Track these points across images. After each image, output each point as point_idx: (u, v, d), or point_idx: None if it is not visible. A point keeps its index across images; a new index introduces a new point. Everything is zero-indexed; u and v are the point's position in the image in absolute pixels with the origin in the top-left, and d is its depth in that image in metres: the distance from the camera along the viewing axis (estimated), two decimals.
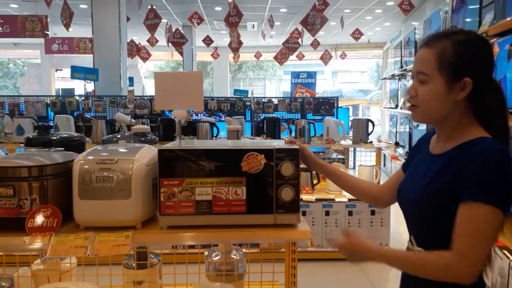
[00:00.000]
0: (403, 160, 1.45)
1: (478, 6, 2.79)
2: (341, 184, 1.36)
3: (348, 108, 6.10)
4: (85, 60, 13.05)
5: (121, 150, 1.25)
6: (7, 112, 4.89)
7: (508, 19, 2.18)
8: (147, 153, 1.23)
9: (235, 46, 7.36)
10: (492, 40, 2.52)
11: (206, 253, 1.61)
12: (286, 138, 1.32)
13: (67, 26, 6.20)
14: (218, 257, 1.58)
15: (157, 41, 8.17)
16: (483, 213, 0.93)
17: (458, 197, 0.97)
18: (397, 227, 3.97)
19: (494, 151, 0.96)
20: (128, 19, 6.80)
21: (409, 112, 1.12)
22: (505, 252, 1.88)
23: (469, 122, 1.05)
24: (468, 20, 3.04)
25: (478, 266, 0.95)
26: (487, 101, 1.04)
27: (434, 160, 1.09)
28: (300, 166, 1.19)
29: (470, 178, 0.95)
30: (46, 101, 4.97)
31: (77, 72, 4.62)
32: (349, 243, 1.10)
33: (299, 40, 7.12)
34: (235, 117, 4.40)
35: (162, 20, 6.64)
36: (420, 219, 1.08)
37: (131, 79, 7.88)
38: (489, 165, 0.94)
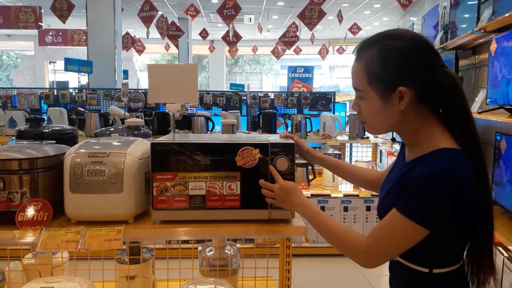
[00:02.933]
0: None
1: (476, 1, 2.78)
2: (341, 174, 1.36)
3: (345, 104, 6.09)
4: (79, 52, 12.92)
5: (114, 143, 1.23)
6: None
7: (507, 15, 2.16)
8: (140, 147, 1.21)
9: (231, 40, 7.32)
10: (490, 36, 2.51)
11: (199, 248, 1.60)
12: (282, 133, 1.31)
13: (63, 18, 6.12)
14: (212, 252, 1.57)
15: (149, 32, 8.08)
16: (404, 225, 0.92)
17: (394, 201, 0.96)
18: None
19: (439, 172, 0.89)
20: (121, 9, 6.72)
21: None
22: (499, 248, 1.89)
23: (430, 128, 0.97)
24: (466, 15, 3.02)
25: (376, 261, 0.98)
26: (442, 101, 0.97)
27: (402, 167, 1.05)
28: (296, 161, 1.17)
29: (407, 193, 0.93)
30: (39, 94, 4.91)
31: (71, 64, 4.56)
32: (289, 187, 1.11)
33: (297, 33, 7.08)
34: (230, 111, 4.37)
35: (158, 12, 6.58)
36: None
37: (125, 72, 7.82)
38: (428, 188, 0.89)
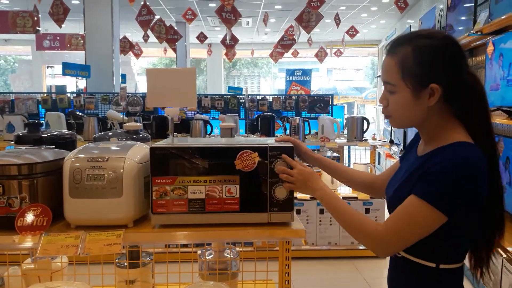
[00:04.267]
0: (398, 158, 1.45)
1: (473, 4, 2.80)
2: (337, 177, 1.37)
3: (343, 106, 6.10)
4: (77, 56, 12.92)
5: (113, 148, 1.23)
6: None
7: (503, 17, 2.18)
8: (139, 151, 1.21)
9: (229, 43, 7.33)
10: (487, 39, 2.53)
11: (199, 252, 1.60)
12: (278, 137, 1.31)
13: (60, 22, 6.12)
14: (212, 256, 1.56)
15: (148, 37, 8.10)
16: (423, 210, 0.94)
17: (412, 189, 0.98)
18: None
19: (460, 161, 0.93)
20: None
21: (386, 119, 1.11)
22: (498, 249, 1.89)
23: (449, 125, 1.02)
24: (463, 18, 3.04)
25: (393, 248, 1.01)
26: (465, 101, 1.01)
27: (415, 161, 1.08)
28: None
29: (426, 178, 0.95)
30: (37, 98, 4.91)
31: (69, 68, 4.56)
32: (308, 171, 1.13)
33: (295, 37, 7.09)
34: (229, 114, 4.37)
35: (155, 16, 6.59)
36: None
37: (123, 76, 7.82)
38: (448, 174, 0.92)
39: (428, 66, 0.98)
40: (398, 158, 1.35)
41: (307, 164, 1.30)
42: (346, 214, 1.06)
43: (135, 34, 10.98)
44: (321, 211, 3.53)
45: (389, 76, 1.02)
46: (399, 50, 1.01)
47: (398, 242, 0.99)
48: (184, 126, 4.21)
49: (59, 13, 6.11)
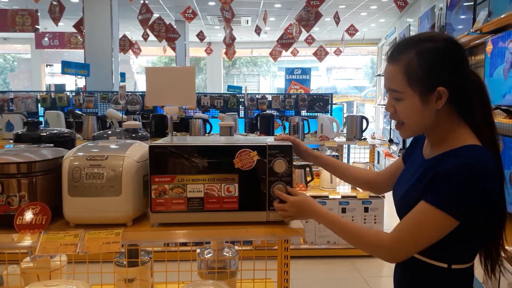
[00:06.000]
0: (397, 157, 1.45)
1: (472, 3, 2.80)
2: (338, 174, 1.37)
3: (343, 105, 6.10)
4: (76, 55, 12.91)
5: (112, 146, 1.23)
6: None
7: (502, 16, 2.18)
8: (138, 150, 1.22)
9: (229, 42, 7.32)
10: (486, 37, 2.53)
11: (198, 250, 1.60)
12: (277, 135, 1.31)
13: (56, 20, 6.11)
14: (210, 254, 1.57)
15: (148, 35, 8.08)
16: (434, 215, 0.94)
17: (423, 195, 0.97)
18: (390, 224, 3.99)
19: (471, 165, 0.93)
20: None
21: (397, 128, 1.09)
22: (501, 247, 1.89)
23: (456, 127, 1.03)
24: (462, 17, 3.04)
25: (404, 255, 1.00)
26: (470, 101, 1.02)
27: (422, 164, 1.08)
28: (294, 163, 1.18)
29: (437, 185, 0.95)
30: (36, 97, 4.90)
31: (68, 67, 4.55)
32: (299, 201, 1.13)
33: (296, 35, 7.08)
34: (228, 113, 4.37)
35: (154, 15, 6.58)
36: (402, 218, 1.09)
37: (122, 75, 7.81)
38: (459, 179, 0.92)
39: (433, 70, 0.98)
40: (397, 157, 1.35)
41: (307, 162, 1.30)
42: (347, 231, 1.06)
43: (134, 32, 10.97)
44: None
45: (395, 83, 1.01)
46: (402, 56, 1.00)
47: (408, 248, 0.98)
48: (183, 125, 4.21)
49: (56, 12, 6.11)
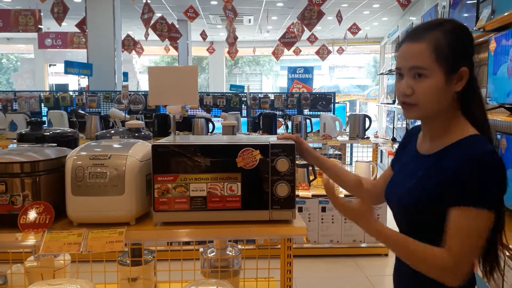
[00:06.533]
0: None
1: (475, 1, 2.78)
2: (337, 180, 1.34)
3: (345, 104, 6.09)
4: (79, 55, 12.95)
5: (115, 145, 1.23)
6: (0, 108, 4.83)
7: (506, 14, 2.17)
8: (141, 149, 1.22)
9: (232, 41, 7.32)
10: (489, 35, 2.52)
11: (201, 249, 1.60)
12: (280, 134, 1.31)
13: (60, 20, 6.13)
14: (214, 253, 1.57)
15: (148, 34, 8.08)
16: (474, 216, 0.92)
17: (447, 200, 0.95)
18: (393, 224, 3.98)
19: (486, 155, 0.93)
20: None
21: (405, 110, 1.04)
22: (499, 246, 1.88)
23: (457, 115, 1.02)
24: (465, 15, 3.03)
25: (464, 271, 0.94)
26: (474, 88, 1.02)
27: (422, 160, 1.06)
28: (297, 162, 1.17)
29: (462, 184, 0.93)
30: (39, 97, 4.92)
31: (71, 67, 4.57)
32: (360, 210, 1.02)
33: (298, 33, 7.07)
34: (231, 112, 4.38)
35: (157, 14, 6.59)
36: (406, 218, 1.08)
37: (125, 74, 7.83)
38: (481, 171, 0.92)
39: (459, 50, 0.98)
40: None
41: (307, 162, 1.29)
42: (406, 251, 0.99)
43: (137, 32, 10.99)
44: (323, 209, 3.53)
45: (421, 60, 0.98)
46: (427, 35, 0.98)
47: (466, 262, 0.94)
48: (186, 124, 4.22)
49: (59, 12, 6.12)
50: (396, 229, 1.15)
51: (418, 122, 1.13)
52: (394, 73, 1.09)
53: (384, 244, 1.03)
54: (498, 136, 2.31)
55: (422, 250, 0.96)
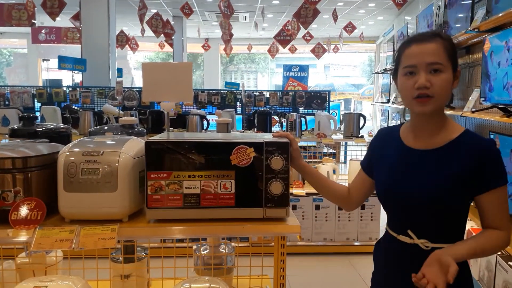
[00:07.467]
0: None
1: (470, 1, 2.80)
2: (317, 187, 1.33)
3: (340, 103, 6.11)
4: (73, 50, 12.83)
5: (108, 142, 1.22)
6: None
7: (500, 14, 2.18)
8: (134, 146, 1.21)
9: (227, 38, 7.30)
10: (484, 36, 2.53)
11: (194, 247, 1.60)
12: (275, 132, 1.30)
13: (54, 15, 6.06)
14: (207, 251, 1.56)
15: (144, 30, 8.03)
16: (505, 192, 1.11)
17: (480, 187, 1.09)
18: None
19: (493, 143, 1.11)
20: None
21: (421, 103, 1.11)
22: None
23: (444, 113, 1.16)
24: (460, 15, 3.04)
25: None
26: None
27: (427, 155, 1.13)
28: None
29: (494, 169, 1.09)
30: (32, 92, 4.88)
31: (65, 62, 4.52)
32: (435, 259, 1.05)
33: (294, 31, 7.06)
34: (225, 110, 4.36)
35: (152, 11, 6.55)
36: (428, 212, 1.11)
37: (120, 70, 7.78)
38: (498, 156, 1.10)
39: (456, 54, 1.14)
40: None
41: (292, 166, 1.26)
42: (485, 252, 1.14)
43: (131, 28, 10.92)
44: (317, 207, 3.54)
45: (438, 56, 1.10)
46: (440, 38, 1.13)
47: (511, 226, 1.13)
48: (180, 121, 4.21)
49: (54, 6, 6.06)
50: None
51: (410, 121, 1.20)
52: (389, 72, 1.13)
53: (480, 257, 1.24)
54: (492, 136, 2.33)
55: (494, 242, 1.12)
